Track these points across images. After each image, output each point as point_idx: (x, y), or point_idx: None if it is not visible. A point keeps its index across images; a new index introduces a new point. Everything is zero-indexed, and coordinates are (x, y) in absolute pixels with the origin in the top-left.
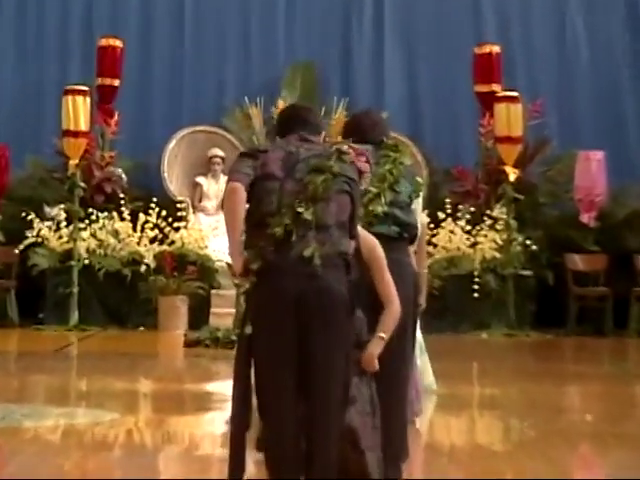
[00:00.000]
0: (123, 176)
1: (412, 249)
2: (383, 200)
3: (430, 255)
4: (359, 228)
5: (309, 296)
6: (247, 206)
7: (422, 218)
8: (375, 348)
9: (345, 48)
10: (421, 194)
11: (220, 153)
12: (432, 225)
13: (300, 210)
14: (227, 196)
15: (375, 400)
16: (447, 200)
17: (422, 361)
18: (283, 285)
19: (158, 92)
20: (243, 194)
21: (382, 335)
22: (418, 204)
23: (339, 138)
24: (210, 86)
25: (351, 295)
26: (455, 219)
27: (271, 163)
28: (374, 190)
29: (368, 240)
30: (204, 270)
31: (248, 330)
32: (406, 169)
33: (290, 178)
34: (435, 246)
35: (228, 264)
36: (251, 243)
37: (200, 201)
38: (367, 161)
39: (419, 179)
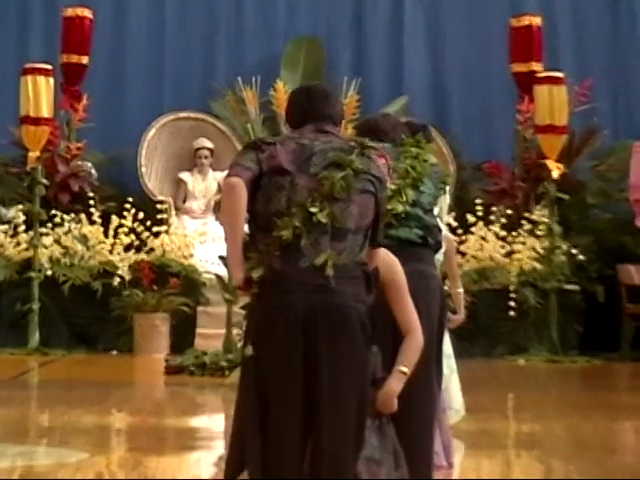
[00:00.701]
0: (93, 171)
1: (437, 261)
2: (404, 198)
3: (458, 266)
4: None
5: (319, 314)
6: (251, 206)
7: (449, 235)
8: (395, 385)
9: (357, 19)
10: (447, 190)
11: (208, 144)
12: (460, 230)
13: (313, 210)
14: (225, 194)
15: (397, 448)
16: (478, 201)
17: (449, 380)
18: (289, 299)
19: (134, 71)
20: (244, 191)
21: (403, 369)
22: (444, 202)
23: (349, 131)
24: (196, 64)
25: (372, 317)
26: (487, 223)
27: (280, 155)
28: (393, 187)
29: (386, 257)
30: (189, 283)
31: (249, 351)
32: (431, 168)
33: (303, 173)
34: (463, 255)
35: (217, 276)
36: (254, 249)
37: (184, 201)
38: (386, 164)
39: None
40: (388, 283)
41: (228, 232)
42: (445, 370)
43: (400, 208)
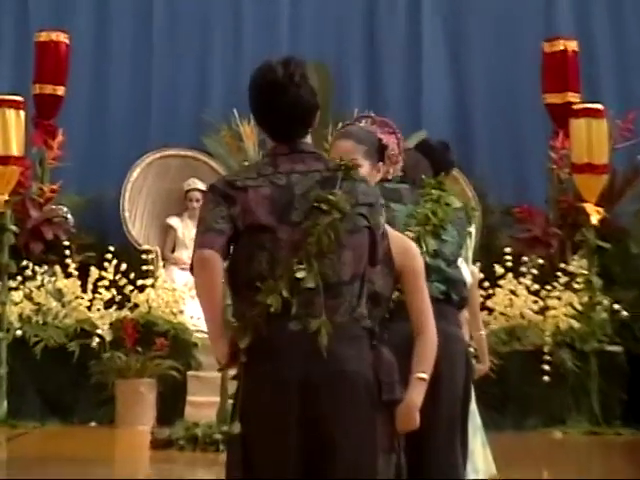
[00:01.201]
0: (69, 217)
1: (463, 316)
2: (424, 248)
3: (485, 324)
4: (388, 229)
5: (316, 385)
6: (229, 266)
7: (473, 267)
8: (416, 395)
9: (368, 43)
10: (473, 227)
11: (200, 186)
12: (487, 283)
13: (300, 276)
14: (198, 268)
15: None
16: (507, 250)
17: (474, 443)
18: (281, 368)
19: (117, 103)
20: (218, 264)
21: (422, 376)
22: (470, 240)
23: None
24: (187, 95)
25: (378, 379)
26: (518, 275)
27: (256, 206)
28: (412, 235)
29: (400, 241)
30: (178, 344)
31: (236, 429)
32: (454, 213)
33: (284, 224)
34: (491, 312)
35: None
36: (237, 314)
37: (173, 251)
38: (394, 134)
39: (470, 204)
40: (403, 270)
41: (205, 309)
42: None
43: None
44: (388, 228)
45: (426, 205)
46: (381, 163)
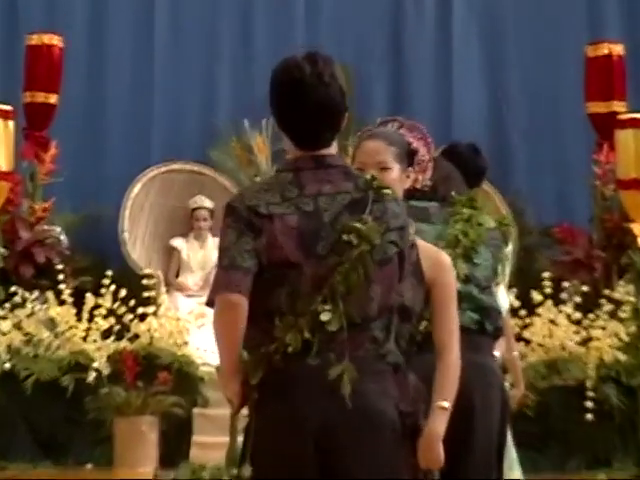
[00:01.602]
0: (62, 237)
1: (499, 348)
2: (455, 273)
3: (522, 357)
4: (417, 239)
5: (336, 424)
6: None
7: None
8: (439, 425)
9: (394, 44)
10: (510, 246)
11: (207, 204)
12: (523, 312)
13: (325, 319)
14: (222, 311)
15: None
16: (546, 274)
17: (510, 476)
18: (297, 406)
19: (115, 113)
20: (245, 309)
21: (444, 404)
22: (507, 261)
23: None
24: (193, 104)
25: (401, 411)
26: (558, 302)
27: (283, 240)
28: None
29: (431, 252)
30: (183, 378)
31: (247, 472)
32: (487, 234)
33: (311, 257)
34: (528, 343)
35: (219, 369)
36: (251, 343)
37: (177, 275)
38: (424, 139)
39: (504, 220)
40: (433, 283)
41: (223, 347)
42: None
43: None
44: (417, 239)
45: (456, 225)
46: (411, 168)
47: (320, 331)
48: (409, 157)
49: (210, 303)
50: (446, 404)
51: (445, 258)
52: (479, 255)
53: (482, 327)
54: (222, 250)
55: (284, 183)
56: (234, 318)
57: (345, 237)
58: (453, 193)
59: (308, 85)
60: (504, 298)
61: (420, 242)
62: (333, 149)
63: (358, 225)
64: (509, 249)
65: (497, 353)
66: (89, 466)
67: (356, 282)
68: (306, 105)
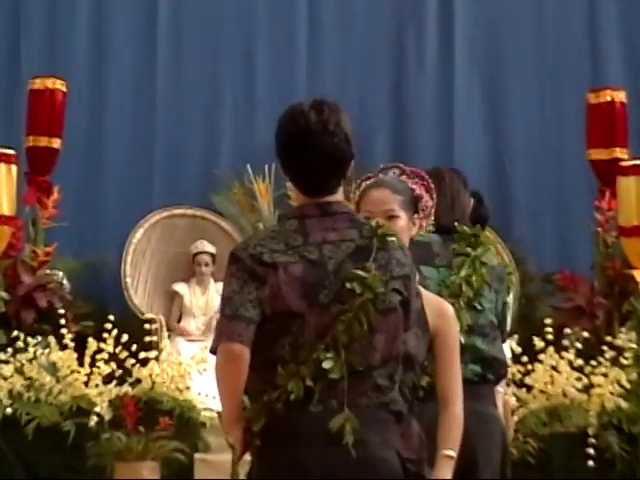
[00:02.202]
0: (65, 282)
1: (499, 394)
2: (457, 324)
3: (522, 404)
4: (421, 289)
5: (339, 472)
6: None
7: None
8: (445, 473)
9: (396, 89)
10: (511, 294)
11: (209, 249)
12: (525, 358)
13: (327, 366)
14: (225, 362)
15: None
16: (547, 321)
17: None
18: (300, 455)
19: (117, 158)
20: (247, 359)
21: (450, 453)
22: (508, 310)
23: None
24: (194, 148)
25: (404, 460)
26: (560, 349)
27: (286, 290)
28: None
29: (435, 302)
30: (184, 424)
31: None
32: (491, 271)
33: (314, 307)
34: (529, 389)
35: (221, 414)
36: (254, 391)
37: (179, 320)
38: (426, 185)
39: (506, 268)
40: (436, 334)
41: (225, 396)
42: None
43: None
44: (421, 288)
45: (460, 272)
46: (416, 215)
47: (322, 379)
48: (414, 204)
49: (213, 351)
50: (452, 453)
51: (448, 308)
52: (483, 298)
53: (484, 378)
54: (225, 299)
55: (289, 231)
56: (236, 368)
57: (348, 285)
58: (456, 224)
59: (313, 134)
60: (505, 347)
61: (424, 291)
62: (339, 196)
63: (361, 273)
64: (511, 297)
65: (501, 389)
66: None
67: (358, 331)
68: (312, 154)
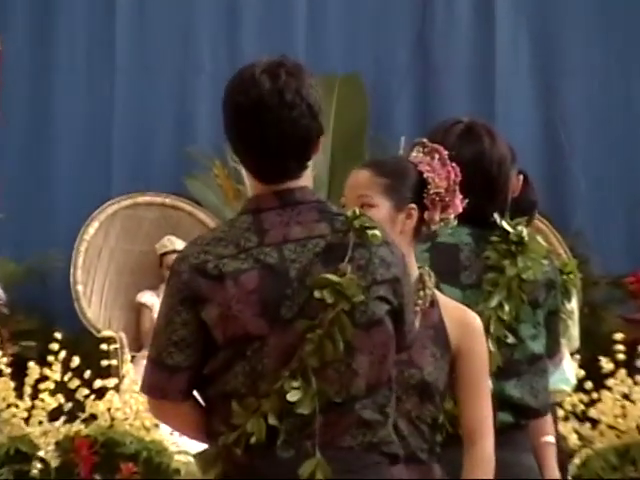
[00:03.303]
0: (0, 292)
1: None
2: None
3: (585, 443)
4: (440, 296)
5: None
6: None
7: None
8: None
9: (421, 48)
10: (574, 300)
11: (180, 247)
12: (589, 384)
13: (293, 399)
14: (157, 417)
15: None
16: (617, 336)
17: None
18: None
19: (67, 133)
20: (180, 414)
21: None
22: (571, 315)
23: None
24: (164, 122)
25: None
26: (633, 372)
27: (239, 307)
28: None
29: (458, 312)
30: (152, 471)
31: None
32: (534, 285)
33: (275, 324)
34: (595, 424)
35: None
36: (210, 431)
37: (148, 337)
38: (446, 166)
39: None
40: (459, 353)
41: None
42: None
43: None
44: (440, 295)
45: (491, 300)
46: (413, 205)
47: (289, 415)
48: (415, 192)
49: (143, 390)
50: None
51: (474, 319)
52: (522, 326)
53: (517, 425)
54: (154, 332)
55: (241, 229)
56: (171, 424)
57: (317, 294)
58: (496, 216)
59: (266, 107)
60: (569, 369)
61: (441, 298)
62: (304, 180)
63: (333, 278)
64: (574, 304)
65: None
66: None
67: (332, 352)
68: (265, 132)
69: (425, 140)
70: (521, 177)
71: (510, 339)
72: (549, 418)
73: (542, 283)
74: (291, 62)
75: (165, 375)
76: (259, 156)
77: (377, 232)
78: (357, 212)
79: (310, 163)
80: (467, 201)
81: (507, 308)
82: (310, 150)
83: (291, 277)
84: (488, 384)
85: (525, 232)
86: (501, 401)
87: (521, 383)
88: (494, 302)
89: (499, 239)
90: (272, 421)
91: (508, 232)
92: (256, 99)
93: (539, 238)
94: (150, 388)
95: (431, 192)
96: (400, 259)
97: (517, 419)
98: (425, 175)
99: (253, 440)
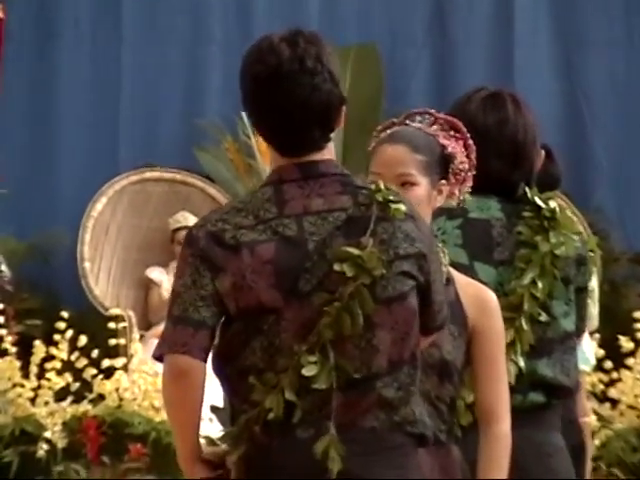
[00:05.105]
0: (4, 269)
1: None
2: (518, 348)
3: (605, 423)
4: (454, 273)
5: None
6: (215, 351)
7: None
8: None
9: (438, 18)
10: (595, 279)
11: (192, 222)
12: (609, 364)
13: (309, 373)
14: (169, 380)
15: None
16: (637, 315)
17: None
18: None
19: (72, 106)
20: (199, 378)
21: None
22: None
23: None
24: (173, 94)
25: None
26: None
27: (253, 277)
28: None
29: (474, 289)
30: (161, 452)
31: None
32: (566, 261)
33: (292, 296)
34: (615, 404)
35: (208, 439)
36: (233, 410)
37: (156, 314)
38: (464, 141)
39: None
40: (475, 331)
41: (175, 428)
42: None
43: (511, 370)
44: (454, 272)
45: (524, 277)
46: (444, 181)
47: (307, 392)
48: (442, 166)
49: (156, 357)
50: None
51: (491, 297)
52: (554, 303)
53: (548, 405)
54: (173, 295)
55: (261, 200)
56: (182, 387)
57: (337, 267)
58: (527, 190)
59: (287, 74)
60: (589, 348)
61: (457, 275)
62: (327, 153)
63: (354, 251)
64: (594, 282)
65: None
66: None
67: (350, 326)
68: (286, 100)
69: (432, 111)
70: (543, 152)
71: (543, 317)
72: (584, 398)
73: (573, 259)
74: (309, 31)
75: (190, 331)
76: (280, 127)
77: (401, 206)
78: (381, 185)
79: (333, 135)
80: (492, 167)
81: (540, 285)
82: (333, 119)
83: (309, 250)
84: (504, 364)
85: (557, 207)
86: (533, 381)
87: (553, 362)
88: (527, 279)
89: (531, 214)
90: (289, 397)
91: (540, 207)
92: (275, 66)
93: (569, 212)
94: (174, 345)
95: (454, 168)
96: (427, 235)
97: (549, 399)
98: (450, 150)
99: (271, 416)
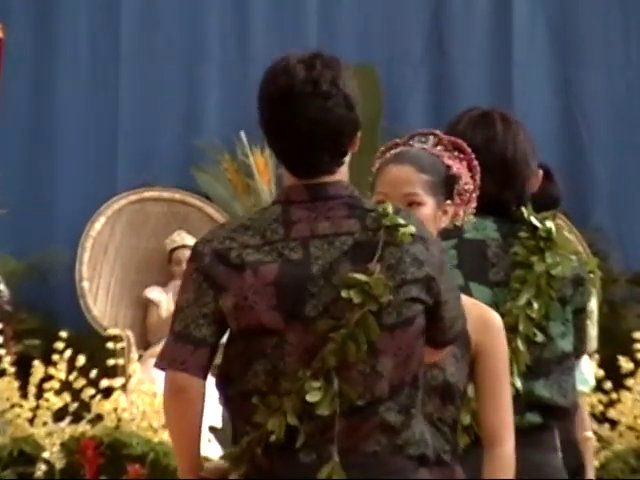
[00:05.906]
0: (2, 288)
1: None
2: (515, 369)
3: (604, 444)
4: (462, 297)
5: None
6: (217, 368)
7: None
8: None
9: (437, 42)
10: (594, 300)
11: (190, 242)
12: (608, 384)
13: (313, 399)
14: (168, 396)
15: None
16: (637, 335)
17: None
18: None
19: (70, 125)
20: (198, 395)
21: None
22: (590, 314)
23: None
24: (171, 113)
25: None
26: None
27: (255, 299)
28: None
29: (477, 309)
30: (160, 473)
31: None
32: (562, 282)
33: (295, 319)
34: (614, 425)
35: (206, 460)
36: (235, 431)
37: (155, 334)
38: (467, 161)
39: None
40: (478, 351)
41: (175, 443)
42: None
43: None
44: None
45: (519, 299)
46: (449, 201)
47: (310, 417)
48: (447, 186)
49: (158, 366)
50: None
51: (494, 317)
52: (551, 324)
53: (545, 426)
54: (177, 309)
55: (268, 220)
56: (181, 404)
57: (344, 294)
58: (523, 210)
59: (300, 95)
60: (588, 369)
61: (462, 297)
62: (339, 174)
63: (361, 277)
64: (594, 303)
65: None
66: None
67: (354, 353)
68: (295, 121)
69: (437, 131)
70: (541, 172)
71: (539, 337)
72: (585, 413)
73: (570, 279)
74: (328, 55)
75: (189, 349)
76: (290, 149)
77: (409, 230)
78: (389, 209)
79: (346, 159)
80: (483, 187)
81: (536, 306)
82: (345, 143)
83: (313, 273)
84: (507, 385)
85: (553, 227)
86: (530, 401)
87: (550, 383)
88: (523, 300)
89: (527, 235)
90: (292, 421)
91: (536, 227)
92: (286, 87)
93: (566, 233)
94: (172, 361)
95: (459, 188)
96: (437, 256)
97: (546, 420)
98: (455, 170)
99: (273, 439)
